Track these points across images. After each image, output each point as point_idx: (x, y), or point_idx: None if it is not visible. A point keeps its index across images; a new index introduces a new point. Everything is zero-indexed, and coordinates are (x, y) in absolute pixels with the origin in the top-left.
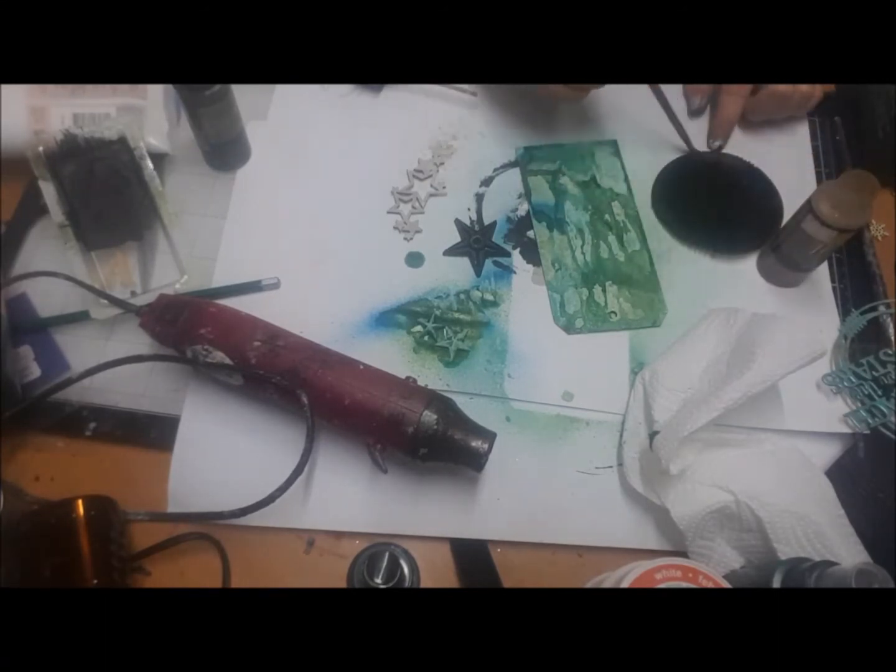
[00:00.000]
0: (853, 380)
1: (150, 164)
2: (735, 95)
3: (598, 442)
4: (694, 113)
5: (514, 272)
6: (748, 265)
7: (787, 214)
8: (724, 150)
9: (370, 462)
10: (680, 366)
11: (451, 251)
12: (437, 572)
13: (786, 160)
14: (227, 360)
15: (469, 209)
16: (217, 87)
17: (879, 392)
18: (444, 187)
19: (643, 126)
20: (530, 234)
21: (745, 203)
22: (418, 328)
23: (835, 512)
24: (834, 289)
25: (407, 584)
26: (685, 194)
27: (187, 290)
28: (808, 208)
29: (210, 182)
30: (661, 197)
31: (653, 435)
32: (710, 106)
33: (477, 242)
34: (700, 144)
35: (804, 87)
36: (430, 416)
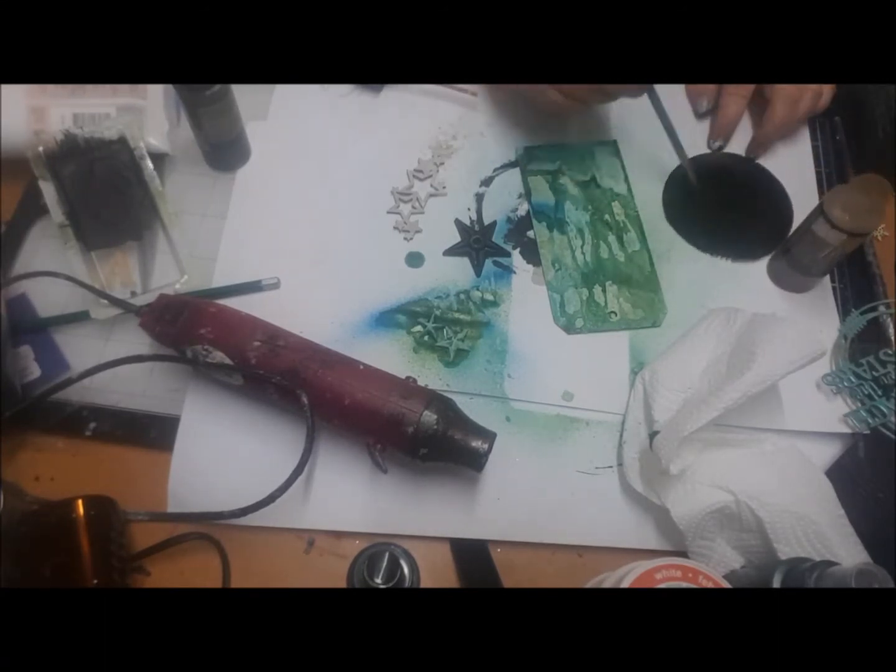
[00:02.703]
0: (853, 380)
1: (150, 164)
2: (736, 96)
3: (598, 442)
4: (702, 116)
5: (514, 272)
6: (748, 265)
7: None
8: (727, 151)
9: (370, 462)
10: (680, 366)
11: (451, 251)
12: (437, 572)
13: (786, 160)
14: (227, 360)
15: (469, 209)
16: (217, 87)
17: (879, 392)
18: (444, 187)
19: (644, 126)
20: (530, 234)
21: (758, 207)
22: (418, 328)
23: (835, 512)
24: (834, 289)
25: (407, 584)
26: (696, 197)
27: (187, 290)
28: (819, 211)
29: (210, 182)
30: (672, 200)
31: (653, 435)
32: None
33: (477, 242)
34: (701, 146)
35: (813, 85)
36: (430, 416)
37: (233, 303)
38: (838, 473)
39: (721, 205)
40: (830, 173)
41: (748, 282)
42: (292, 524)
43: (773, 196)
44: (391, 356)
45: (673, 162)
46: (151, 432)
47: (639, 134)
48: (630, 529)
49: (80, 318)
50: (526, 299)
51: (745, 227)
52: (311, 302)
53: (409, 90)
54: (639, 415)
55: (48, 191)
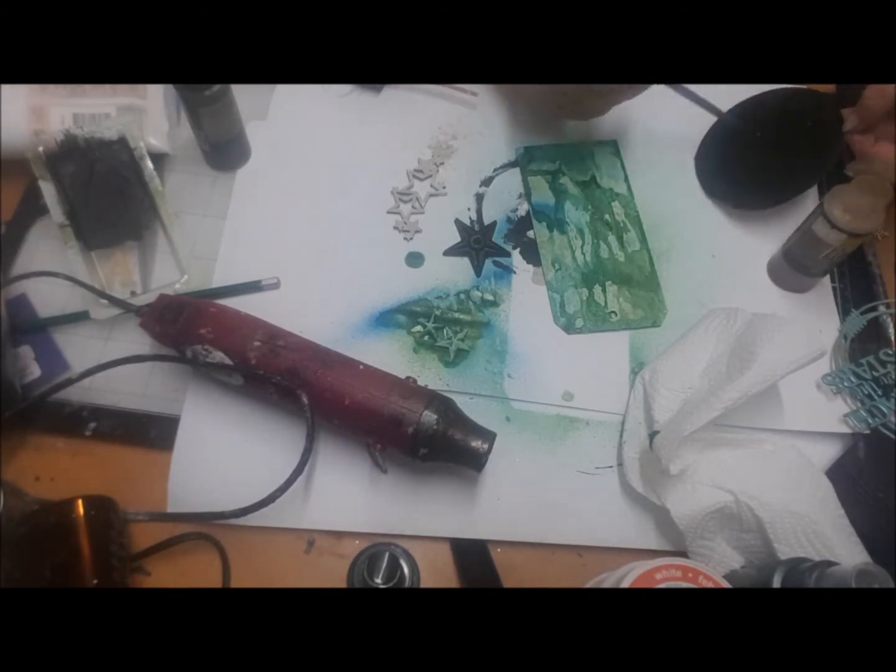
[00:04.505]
0: (853, 380)
1: (150, 164)
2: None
3: (598, 442)
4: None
5: (514, 272)
6: (749, 265)
7: (794, 206)
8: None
9: (370, 462)
10: (680, 366)
11: (451, 251)
12: (437, 572)
13: None
14: (227, 360)
15: (469, 209)
16: (217, 87)
17: (879, 392)
18: (444, 187)
19: (644, 126)
20: (530, 234)
21: (797, 140)
22: (418, 328)
23: (835, 512)
24: (834, 289)
25: (407, 584)
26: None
27: (187, 290)
28: (819, 211)
29: (210, 182)
30: (710, 155)
31: (653, 435)
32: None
33: (477, 242)
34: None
35: None
36: (430, 416)
37: (233, 303)
38: (838, 473)
39: (761, 151)
40: (830, 173)
41: (748, 282)
42: (292, 524)
43: (817, 122)
44: (391, 356)
45: (666, 160)
46: (151, 432)
47: (639, 134)
48: (630, 529)
49: (80, 318)
50: (526, 299)
51: (787, 163)
52: (311, 302)
53: (409, 90)
54: (639, 415)
55: (48, 191)
